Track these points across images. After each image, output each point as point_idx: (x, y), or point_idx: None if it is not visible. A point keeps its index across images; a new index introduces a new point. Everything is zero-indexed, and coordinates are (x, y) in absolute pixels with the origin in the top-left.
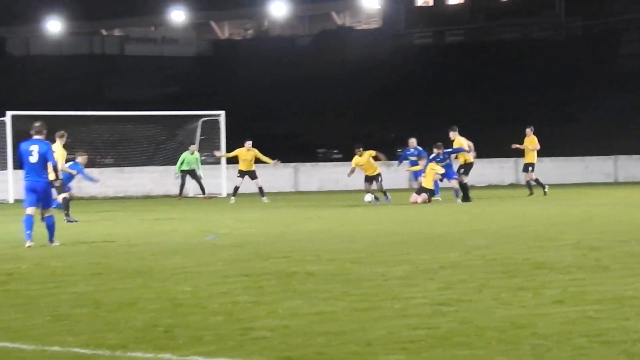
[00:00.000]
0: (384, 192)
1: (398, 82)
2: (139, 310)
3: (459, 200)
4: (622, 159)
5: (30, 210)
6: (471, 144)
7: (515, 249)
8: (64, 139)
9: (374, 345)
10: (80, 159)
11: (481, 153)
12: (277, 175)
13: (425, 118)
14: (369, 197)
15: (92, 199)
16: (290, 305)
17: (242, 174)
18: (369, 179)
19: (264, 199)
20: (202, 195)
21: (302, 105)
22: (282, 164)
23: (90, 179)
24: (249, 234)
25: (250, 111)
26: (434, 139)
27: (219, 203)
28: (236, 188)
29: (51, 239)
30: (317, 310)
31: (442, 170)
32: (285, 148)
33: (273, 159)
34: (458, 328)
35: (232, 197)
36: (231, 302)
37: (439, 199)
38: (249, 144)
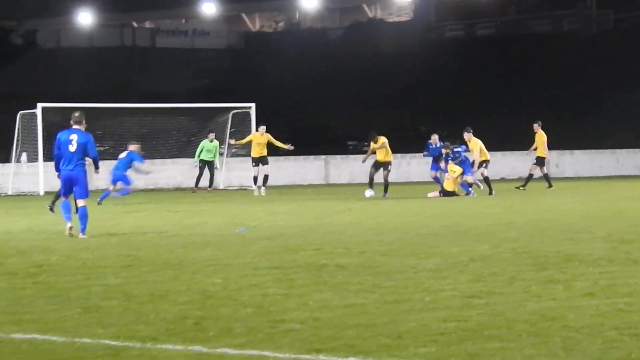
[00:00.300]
0: (386, 186)
1: (429, 75)
2: (169, 302)
3: (475, 195)
4: None
5: (66, 197)
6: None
7: (546, 241)
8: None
9: (404, 337)
10: (135, 147)
11: (512, 146)
12: (307, 168)
13: (455, 111)
14: (369, 193)
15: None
16: (321, 298)
17: (255, 161)
18: (378, 166)
19: (263, 189)
20: (208, 188)
21: (333, 97)
22: (313, 157)
23: (142, 171)
24: (279, 226)
25: (280, 104)
26: (462, 132)
27: (248, 195)
28: (255, 178)
29: (83, 231)
30: (348, 303)
31: (460, 170)
32: (316, 140)
33: (286, 144)
34: (488, 321)
35: (255, 188)
36: (261, 295)
37: (474, 194)
38: (262, 128)
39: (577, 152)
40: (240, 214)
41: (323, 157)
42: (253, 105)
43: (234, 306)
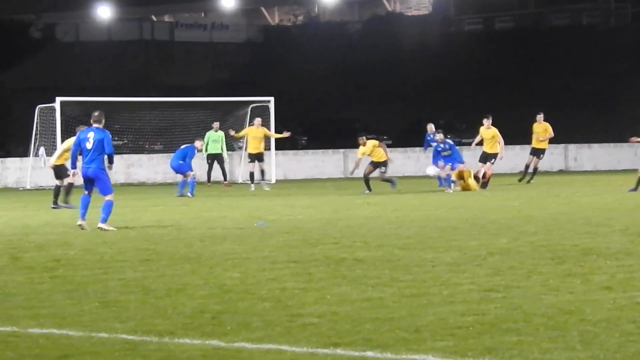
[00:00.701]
0: (389, 180)
1: (448, 68)
2: (187, 296)
3: (451, 190)
4: None
5: (86, 192)
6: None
7: (564, 235)
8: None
9: (422, 331)
10: (199, 143)
11: (531, 139)
12: (326, 162)
13: (475, 104)
14: (432, 170)
15: (141, 184)
16: (339, 292)
17: (252, 157)
18: (375, 165)
19: (264, 183)
20: (224, 182)
21: (353, 91)
22: (332, 151)
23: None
24: (298, 220)
25: (300, 97)
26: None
27: (267, 188)
28: (251, 174)
29: (103, 221)
30: (366, 297)
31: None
32: (335, 134)
33: (282, 133)
34: (506, 314)
35: (252, 185)
36: (279, 289)
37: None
38: (258, 121)
39: (595, 146)
40: (259, 207)
41: (342, 150)
42: (272, 99)
43: (251, 300)
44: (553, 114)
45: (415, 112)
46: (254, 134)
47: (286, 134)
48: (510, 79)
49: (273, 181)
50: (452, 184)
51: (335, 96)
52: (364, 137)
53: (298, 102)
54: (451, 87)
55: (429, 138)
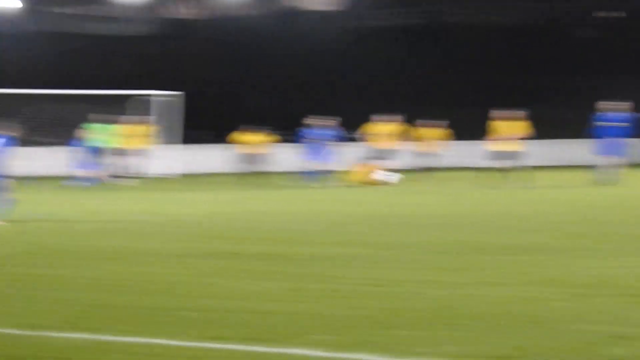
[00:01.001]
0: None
1: (358, 64)
2: (67, 290)
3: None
4: None
5: None
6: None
7: (466, 232)
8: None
9: (306, 326)
10: (82, 134)
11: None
12: (218, 157)
13: (387, 102)
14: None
15: (36, 178)
16: (226, 285)
17: (120, 152)
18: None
19: (130, 181)
20: (107, 176)
21: (260, 85)
22: (232, 145)
23: None
24: (193, 214)
25: (209, 91)
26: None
27: (169, 183)
28: (123, 168)
29: None
30: (251, 291)
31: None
32: (240, 127)
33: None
34: (394, 309)
35: (128, 180)
36: (168, 282)
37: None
38: (130, 118)
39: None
40: (156, 201)
41: (241, 145)
42: (181, 93)
43: (138, 294)
44: (472, 110)
45: (326, 108)
46: (121, 130)
47: (153, 141)
48: (423, 75)
49: (178, 174)
50: (324, 178)
51: (243, 90)
52: (248, 129)
53: (206, 96)
54: (360, 83)
55: (304, 133)
